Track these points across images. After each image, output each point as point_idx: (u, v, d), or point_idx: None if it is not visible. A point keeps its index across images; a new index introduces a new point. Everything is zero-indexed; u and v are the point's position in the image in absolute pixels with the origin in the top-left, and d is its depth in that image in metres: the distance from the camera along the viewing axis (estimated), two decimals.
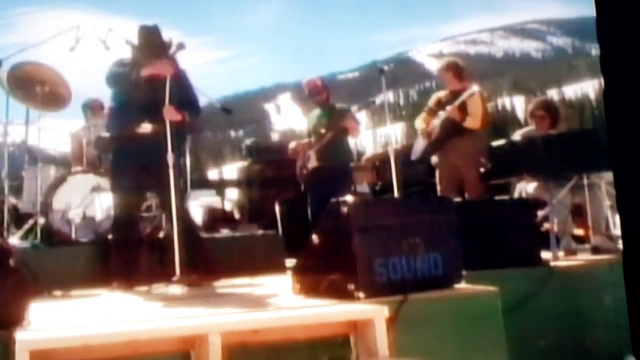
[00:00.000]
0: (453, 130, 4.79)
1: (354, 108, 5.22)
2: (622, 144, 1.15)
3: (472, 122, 4.76)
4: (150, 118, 3.64)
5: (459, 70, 5.05)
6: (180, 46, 3.78)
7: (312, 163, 5.05)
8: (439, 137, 4.89)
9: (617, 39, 1.17)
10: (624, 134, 1.15)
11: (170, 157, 3.53)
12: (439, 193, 4.79)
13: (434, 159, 5.03)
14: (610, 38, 1.18)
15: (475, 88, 4.87)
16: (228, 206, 7.62)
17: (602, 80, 1.18)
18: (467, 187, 4.66)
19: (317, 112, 5.21)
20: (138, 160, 3.66)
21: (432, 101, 5.12)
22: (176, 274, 3.38)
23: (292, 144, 5.28)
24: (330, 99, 5.23)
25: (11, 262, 2.20)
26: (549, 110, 4.80)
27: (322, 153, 4.98)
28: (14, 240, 4.45)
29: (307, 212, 5.01)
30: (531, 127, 4.87)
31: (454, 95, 4.89)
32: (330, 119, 5.04)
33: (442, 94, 5.08)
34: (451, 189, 4.72)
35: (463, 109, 4.77)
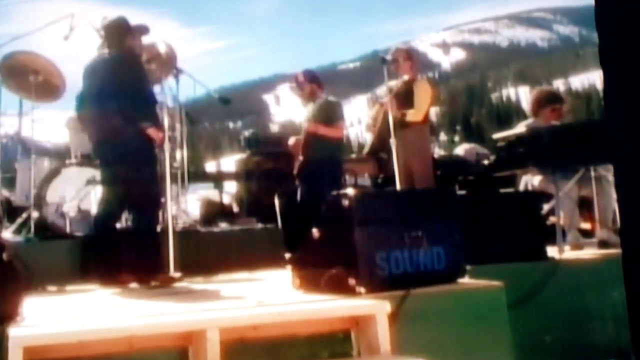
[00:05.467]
0: (396, 123, 4.68)
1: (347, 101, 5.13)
2: (622, 136, 1.11)
3: (415, 115, 4.68)
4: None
5: (416, 58, 4.98)
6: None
7: (299, 158, 5.02)
8: (384, 131, 4.79)
9: (616, 30, 1.12)
10: (624, 126, 1.10)
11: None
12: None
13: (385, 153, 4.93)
14: (609, 29, 1.14)
15: (425, 80, 4.86)
16: (226, 199, 7.58)
17: None
18: (415, 179, 4.62)
19: (308, 105, 5.13)
20: None
21: (383, 92, 4.98)
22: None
23: (291, 140, 5.24)
24: (317, 93, 5.07)
25: (4, 256, 2.20)
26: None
27: (304, 149, 4.95)
28: (7, 234, 4.39)
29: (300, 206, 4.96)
30: (536, 118, 4.80)
31: (407, 85, 4.80)
32: (315, 114, 4.93)
33: (393, 83, 4.91)
34: (404, 181, 4.65)
35: (410, 101, 4.70)
